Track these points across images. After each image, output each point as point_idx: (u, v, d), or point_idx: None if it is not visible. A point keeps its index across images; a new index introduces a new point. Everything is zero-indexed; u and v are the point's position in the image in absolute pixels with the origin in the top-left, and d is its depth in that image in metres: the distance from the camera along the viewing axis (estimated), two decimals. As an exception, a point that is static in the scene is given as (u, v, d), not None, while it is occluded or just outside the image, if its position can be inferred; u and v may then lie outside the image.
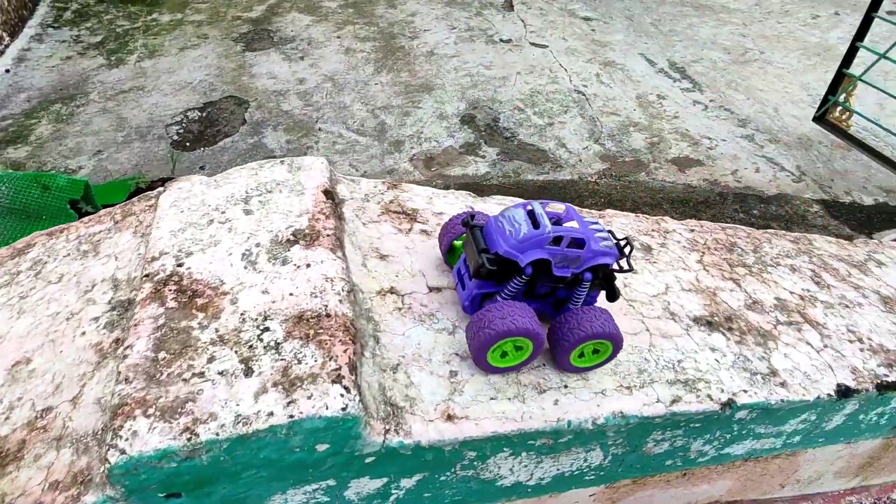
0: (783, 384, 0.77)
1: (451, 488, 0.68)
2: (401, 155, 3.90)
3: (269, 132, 4.09)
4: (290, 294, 0.73)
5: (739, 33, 5.85)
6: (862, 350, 0.91)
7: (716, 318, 0.87)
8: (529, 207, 0.62)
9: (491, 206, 0.93)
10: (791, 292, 0.97)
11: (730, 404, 0.70)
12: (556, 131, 4.27)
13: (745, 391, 0.73)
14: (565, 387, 0.63)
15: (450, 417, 0.59)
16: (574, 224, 0.62)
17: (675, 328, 0.81)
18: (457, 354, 0.62)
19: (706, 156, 4.14)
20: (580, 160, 4.00)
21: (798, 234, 1.30)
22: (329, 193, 0.93)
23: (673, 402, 0.66)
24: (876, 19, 3.74)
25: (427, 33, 5.54)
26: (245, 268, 0.79)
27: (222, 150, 3.89)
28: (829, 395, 0.78)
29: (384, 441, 0.61)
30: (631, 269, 0.68)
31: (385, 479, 0.67)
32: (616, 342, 0.63)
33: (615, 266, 0.65)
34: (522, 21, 5.97)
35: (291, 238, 0.82)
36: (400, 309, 0.64)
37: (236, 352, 0.68)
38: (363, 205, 0.91)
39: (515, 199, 0.98)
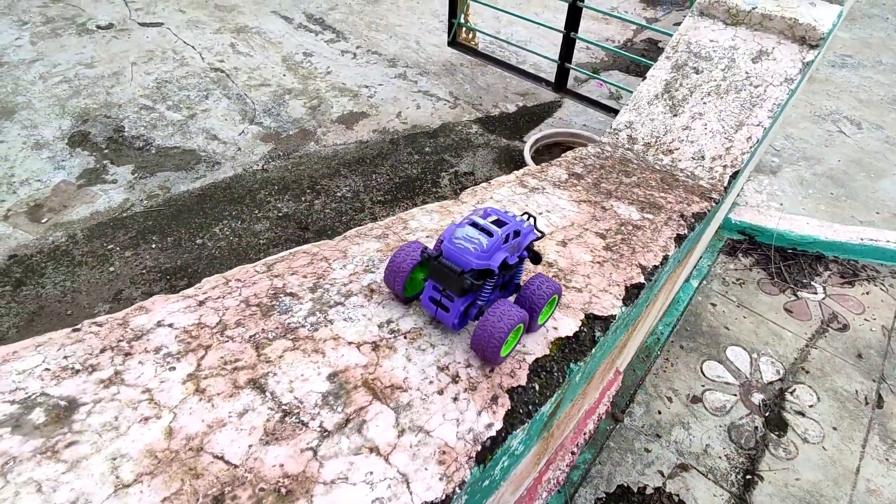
0: None
1: None
2: (-16, 217, 2.81)
3: None
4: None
5: (365, -28, 5.82)
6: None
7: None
8: (472, 222, 0.82)
9: None
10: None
11: None
12: (201, 123, 3.61)
13: None
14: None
15: None
16: (499, 219, 0.83)
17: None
18: None
19: (369, 105, 4.01)
20: (239, 149, 3.46)
21: (386, 224, 1.17)
22: None
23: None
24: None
25: (-17, 37, 4.10)
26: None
27: None
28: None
29: None
30: (543, 235, 0.94)
31: None
32: (560, 292, 0.92)
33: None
34: (122, -2, 4.89)
35: None
36: None
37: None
38: None
39: None
